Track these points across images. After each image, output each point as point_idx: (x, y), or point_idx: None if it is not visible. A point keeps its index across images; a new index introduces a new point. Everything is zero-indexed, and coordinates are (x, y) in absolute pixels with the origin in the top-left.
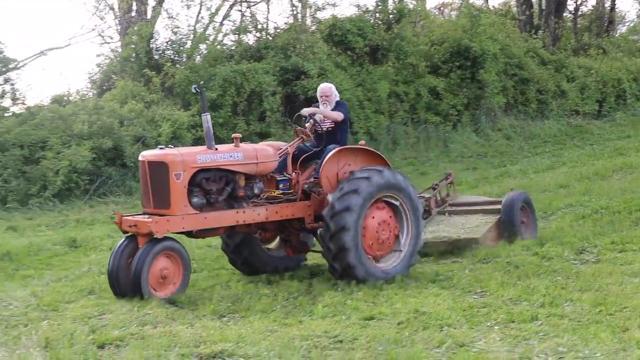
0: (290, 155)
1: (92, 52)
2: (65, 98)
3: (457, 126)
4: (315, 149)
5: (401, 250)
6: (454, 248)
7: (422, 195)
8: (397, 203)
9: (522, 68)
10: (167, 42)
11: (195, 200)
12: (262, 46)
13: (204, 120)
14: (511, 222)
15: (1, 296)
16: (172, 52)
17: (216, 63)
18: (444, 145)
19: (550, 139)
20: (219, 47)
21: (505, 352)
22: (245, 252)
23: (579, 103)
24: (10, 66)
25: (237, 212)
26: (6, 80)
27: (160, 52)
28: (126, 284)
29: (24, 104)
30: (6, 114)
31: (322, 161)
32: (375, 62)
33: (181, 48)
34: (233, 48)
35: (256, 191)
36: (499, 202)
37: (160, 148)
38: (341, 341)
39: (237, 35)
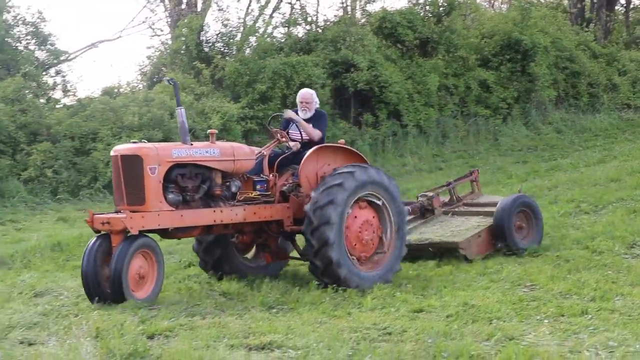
0: (267, 157)
1: (142, 44)
2: (116, 90)
3: (507, 119)
4: (289, 151)
5: (385, 252)
6: (437, 252)
7: (425, 193)
8: (380, 203)
9: (573, 61)
10: (217, 35)
11: (170, 196)
12: (311, 39)
13: (178, 115)
14: (503, 228)
15: (52, 286)
16: (222, 44)
17: (266, 55)
18: (494, 138)
19: (601, 132)
20: (268, 39)
21: (555, 345)
22: (217, 252)
23: (631, 97)
24: (62, 58)
25: (215, 212)
26: (57, 72)
27: (210, 44)
28: (103, 286)
29: (75, 95)
30: (57, 106)
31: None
32: (425, 55)
33: (231, 40)
34: (283, 40)
35: (233, 189)
36: None
37: (133, 142)
38: (390, 333)
39: (286, 28)
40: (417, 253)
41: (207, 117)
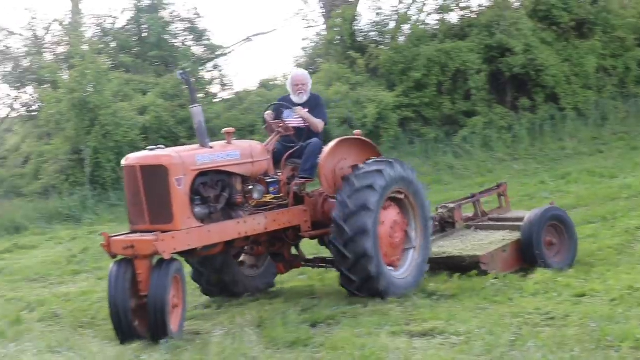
0: (271, 154)
1: (297, 36)
2: (272, 82)
3: None
4: (295, 145)
5: (413, 247)
6: (456, 267)
7: (446, 205)
8: (402, 196)
9: None
10: (370, 24)
11: (197, 210)
12: (465, 24)
13: (194, 114)
14: (530, 243)
15: None
16: (375, 33)
17: (420, 43)
18: None
19: None
20: (422, 27)
21: None
22: (223, 276)
23: None
24: (218, 53)
25: (238, 223)
26: (215, 67)
27: (364, 33)
28: (137, 323)
29: (232, 89)
30: (215, 100)
31: (307, 157)
32: (582, 37)
33: (384, 29)
34: (436, 27)
35: (256, 196)
36: None
37: (150, 149)
38: (553, 318)
39: (440, 14)
40: (433, 267)
41: (363, 106)
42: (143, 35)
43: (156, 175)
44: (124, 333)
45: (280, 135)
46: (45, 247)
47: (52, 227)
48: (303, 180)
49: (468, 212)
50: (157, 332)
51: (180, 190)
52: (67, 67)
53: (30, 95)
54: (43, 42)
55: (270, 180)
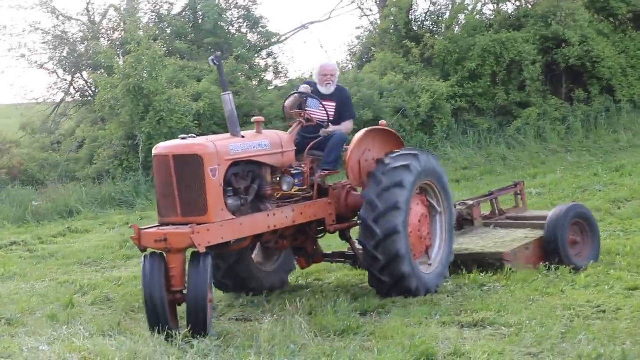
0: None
1: (351, 24)
2: None
3: None
4: (318, 136)
5: (439, 239)
6: (478, 264)
7: (464, 202)
8: (429, 188)
9: None
10: (425, 13)
11: (230, 202)
12: (521, 15)
13: (225, 101)
14: (555, 241)
15: None
16: (430, 22)
17: (475, 33)
18: None
19: None
20: (477, 16)
21: None
22: (239, 271)
23: None
24: (273, 40)
25: (268, 216)
26: (269, 55)
27: (419, 23)
28: (171, 319)
29: (286, 77)
30: (269, 88)
31: (331, 149)
32: (639, 29)
33: (439, 19)
34: (492, 17)
35: (285, 188)
36: None
37: (182, 138)
38: (604, 311)
39: (495, 5)
40: (454, 264)
41: (417, 96)
42: (199, 22)
43: (190, 165)
44: (161, 330)
45: (302, 126)
46: (98, 232)
47: (105, 212)
48: (327, 172)
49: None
50: (198, 329)
51: (214, 181)
52: (123, 52)
53: (85, 80)
54: (99, 28)
55: (295, 171)
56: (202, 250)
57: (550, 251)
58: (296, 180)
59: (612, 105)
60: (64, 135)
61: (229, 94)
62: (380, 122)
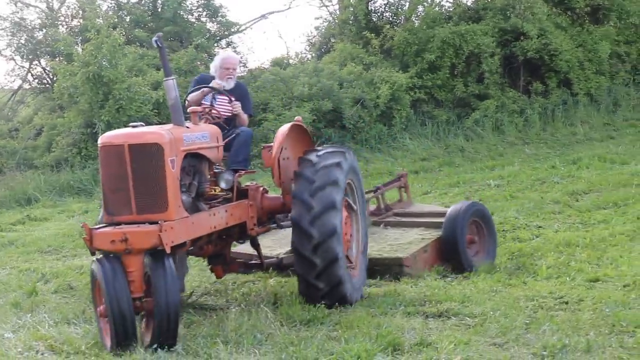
0: None
1: (311, 15)
2: (285, 61)
3: None
4: (232, 131)
5: (357, 241)
6: (377, 268)
7: None
8: (347, 185)
9: None
10: (384, 4)
11: (184, 198)
12: (480, 7)
13: (168, 88)
14: (455, 242)
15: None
16: (390, 14)
17: (434, 25)
18: None
19: None
20: (436, 8)
21: None
22: None
23: None
24: (233, 30)
25: (210, 216)
26: (229, 44)
27: (379, 14)
28: (133, 327)
29: (245, 66)
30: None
31: (239, 147)
32: (597, 22)
33: (399, 10)
34: (451, 9)
35: (223, 185)
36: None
37: (133, 126)
38: (567, 302)
39: None
40: None
41: (376, 87)
42: (158, 10)
43: (149, 155)
44: (129, 341)
45: (209, 122)
46: (57, 220)
47: (63, 200)
48: (243, 172)
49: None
50: (167, 339)
51: (174, 173)
52: (81, 40)
53: (43, 68)
54: (57, 15)
55: (216, 170)
56: (168, 250)
57: (448, 251)
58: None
59: (569, 98)
60: (22, 123)
61: (173, 79)
62: (296, 117)
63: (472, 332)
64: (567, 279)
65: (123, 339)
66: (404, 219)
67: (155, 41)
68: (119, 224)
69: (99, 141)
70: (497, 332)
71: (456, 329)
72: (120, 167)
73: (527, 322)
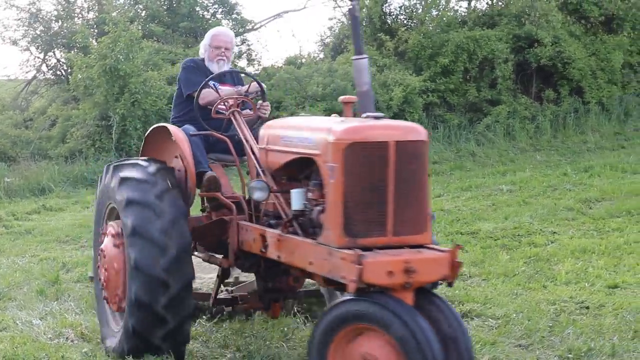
0: None
1: (325, 15)
2: (298, 60)
3: None
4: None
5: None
6: None
7: None
8: None
9: None
10: (400, 7)
11: None
12: (495, 13)
13: (358, 69)
14: None
15: None
16: (404, 17)
17: (449, 29)
18: None
19: None
20: (450, 13)
21: None
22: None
23: None
24: (248, 27)
25: None
26: (243, 41)
27: (394, 16)
28: None
29: (259, 64)
30: (242, 75)
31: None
32: (610, 32)
33: (414, 13)
34: (465, 14)
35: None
36: None
37: (376, 117)
38: (588, 307)
39: (468, 2)
40: None
41: (389, 89)
42: (174, 5)
43: (415, 157)
44: None
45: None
46: (72, 210)
47: (76, 191)
48: None
49: None
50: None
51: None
52: (97, 33)
53: (58, 59)
54: (74, 7)
55: None
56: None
57: None
58: None
59: (580, 106)
60: (36, 113)
61: (365, 57)
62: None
63: (496, 333)
64: (587, 284)
65: None
66: None
67: (350, 10)
68: (367, 248)
69: (350, 136)
70: (521, 334)
71: (480, 330)
72: (380, 172)
73: (550, 325)
